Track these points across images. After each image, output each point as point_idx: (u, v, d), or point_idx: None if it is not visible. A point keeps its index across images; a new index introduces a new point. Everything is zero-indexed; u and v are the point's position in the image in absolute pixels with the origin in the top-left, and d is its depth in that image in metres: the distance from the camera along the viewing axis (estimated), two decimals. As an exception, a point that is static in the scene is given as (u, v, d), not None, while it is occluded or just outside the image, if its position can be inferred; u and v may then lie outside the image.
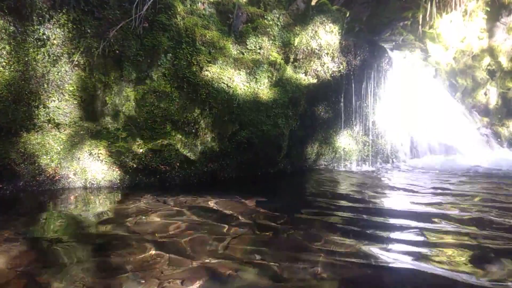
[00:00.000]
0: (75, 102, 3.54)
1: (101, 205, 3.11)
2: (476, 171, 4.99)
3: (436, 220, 2.61)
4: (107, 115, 3.70)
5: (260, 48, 4.39)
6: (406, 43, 7.03)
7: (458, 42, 7.45)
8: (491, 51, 7.71)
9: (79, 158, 3.61)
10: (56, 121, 3.50)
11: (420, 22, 7.16)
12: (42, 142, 3.49)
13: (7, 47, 3.23)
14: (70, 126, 3.57)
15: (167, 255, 2.01)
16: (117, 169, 3.74)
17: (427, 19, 7.16)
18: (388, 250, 2.07)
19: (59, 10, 3.38)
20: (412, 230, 2.40)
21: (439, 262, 1.89)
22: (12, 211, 2.90)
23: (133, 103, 3.75)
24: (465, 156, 6.02)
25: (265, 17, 4.47)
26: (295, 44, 4.64)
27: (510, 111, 7.76)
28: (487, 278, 1.72)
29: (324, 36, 4.82)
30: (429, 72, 6.79)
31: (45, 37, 3.35)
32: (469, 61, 7.52)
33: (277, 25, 4.52)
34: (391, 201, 3.33)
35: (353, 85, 5.18)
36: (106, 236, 2.33)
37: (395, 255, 2.00)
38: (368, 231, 2.39)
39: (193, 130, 4.01)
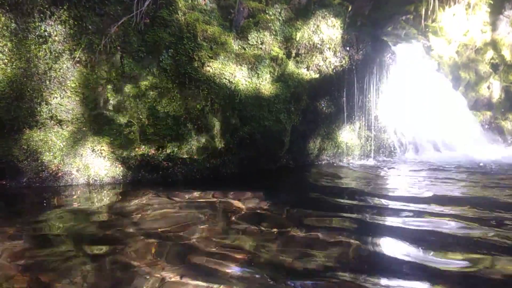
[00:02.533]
0: (77, 99, 3.54)
1: (104, 201, 3.12)
2: (476, 166, 4.97)
3: (436, 220, 2.60)
4: (109, 111, 3.70)
5: (261, 43, 4.37)
6: (409, 37, 6.98)
7: (461, 35, 7.39)
8: (494, 45, 7.64)
9: (81, 155, 3.61)
10: (59, 117, 3.51)
11: (423, 16, 7.11)
12: (45, 139, 3.50)
13: (9, 44, 3.23)
14: (73, 122, 3.58)
15: (171, 250, 2.02)
16: (119, 165, 3.75)
17: (430, 12, 7.11)
18: (387, 246, 2.08)
19: (60, 7, 3.37)
20: (413, 228, 2.40)
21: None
22: (15, 208, 2.92)
23: (135, 99, 3.75)
24: (467, 151, 5.99)
25: (267, 11, 4.45)
26: (297, 39, 4.62)
27: (514, 105, 7.70)
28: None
29: (326, 31, 4.79)
30: (432, 66, 6.74)
31: (46, 34, 3.34)
32: (472, 55, 7.47)
33: (279, 19, 4.49)
34: (394, 198, 3.33)
35: (355, 80, 5.16)
36: (109, 232, 2.34)
37: (394, 251, 2.00)
38: (370, 229, 2.39)
39: (195, 126, 4.01)
